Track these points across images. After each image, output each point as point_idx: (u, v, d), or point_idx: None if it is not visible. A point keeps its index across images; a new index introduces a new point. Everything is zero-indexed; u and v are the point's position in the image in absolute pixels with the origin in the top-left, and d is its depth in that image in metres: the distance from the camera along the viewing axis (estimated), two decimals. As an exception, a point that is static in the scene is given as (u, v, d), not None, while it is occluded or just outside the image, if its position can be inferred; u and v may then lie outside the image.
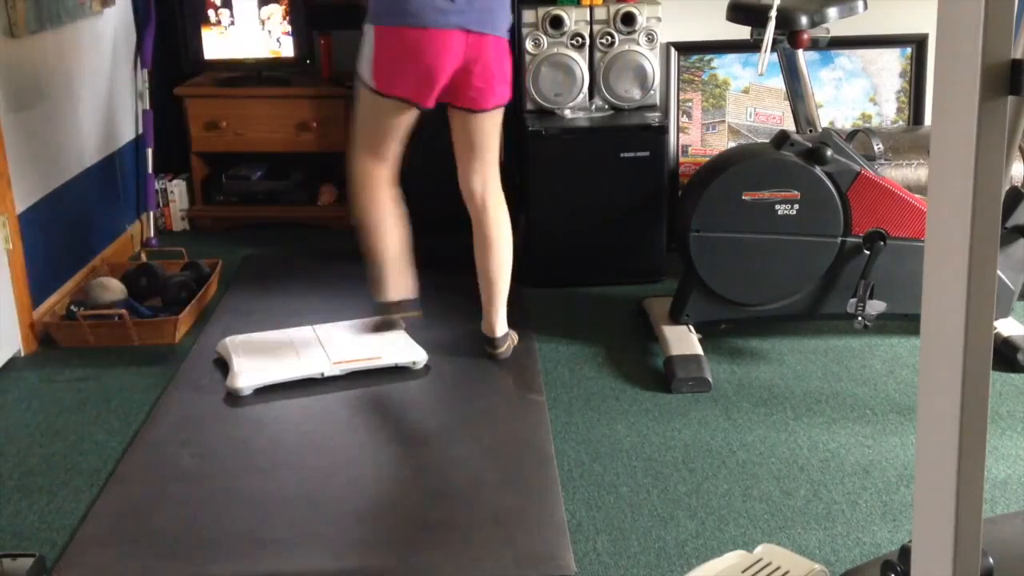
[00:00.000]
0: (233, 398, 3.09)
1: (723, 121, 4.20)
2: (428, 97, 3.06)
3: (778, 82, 3.67)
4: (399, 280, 3.29)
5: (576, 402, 3.05)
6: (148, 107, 4.52)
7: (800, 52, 3.30)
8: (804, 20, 3.18)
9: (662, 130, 3.81)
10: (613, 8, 3.93)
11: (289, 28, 4.56)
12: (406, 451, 2.84)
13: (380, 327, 3.36)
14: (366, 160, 3.20)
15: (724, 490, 2.58)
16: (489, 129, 3.18)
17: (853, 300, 3.21)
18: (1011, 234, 3.21)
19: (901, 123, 4.22)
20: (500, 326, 3.30)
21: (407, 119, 3.13)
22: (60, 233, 3.77)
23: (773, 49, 3.21)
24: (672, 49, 4.11)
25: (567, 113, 3.95)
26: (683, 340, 3.25)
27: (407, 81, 3.03)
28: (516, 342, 3.38)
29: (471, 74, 3.05)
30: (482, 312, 3.31)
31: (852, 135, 3.48)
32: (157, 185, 4.60)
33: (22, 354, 3.40)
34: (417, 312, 3.34)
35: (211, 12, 4.52)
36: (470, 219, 3.27)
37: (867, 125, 4.12)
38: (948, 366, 1.08)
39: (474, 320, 3.61)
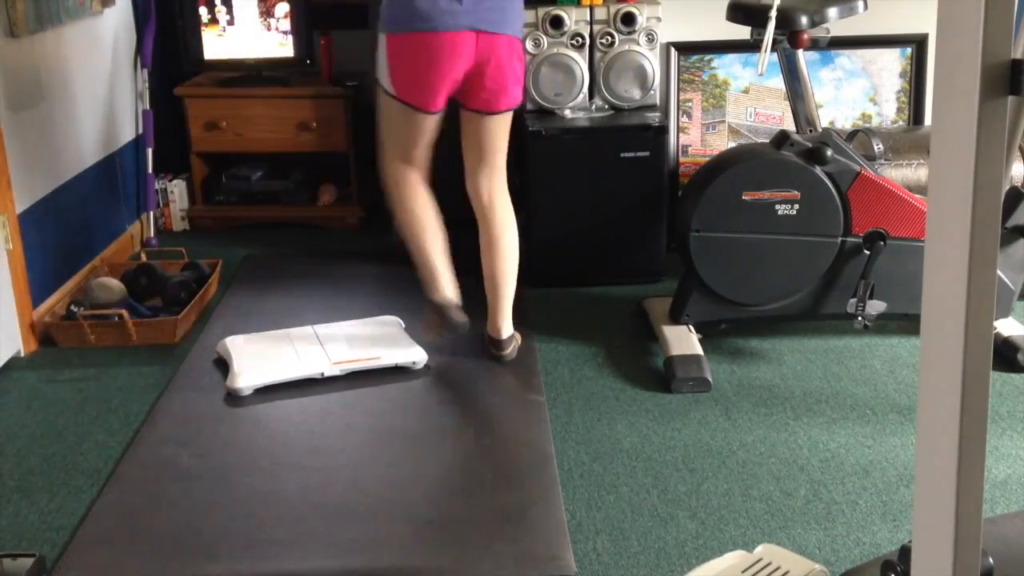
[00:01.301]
0: (233, 398, 3.09)
1: (723, 121, 4.20)
2: (435, 102, 3.05)
3: (778, 82, 3.67)
4: (450, 279, 3.21)
5: (576, 402, 3.05)
6: (148, 107, 4.52)
7: (800, 52, 3.30)
8: (804, 20, 3.18)
9: (662, 130, 3.81)
10: (613, 8, 3.93)
11: (288, 26, 4.55)
12: (406, 451, 2.84)
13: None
14: (397, 165, 3.19)
15: (724, 490, 2.58)
16: (499, 131, 3.17)
17: (853, 300, 3.21)
18: (1011, 234, 3.21)
19: (901, 123, 4.22)
20: (506, 328, 3.28)
21: (430, 123, 3.11)
22: (60, 233, 3.77)
23: (773, 49, 3.21)
24: (672, 49, 4.12)
25: (567, 113, 3.95)
26: (683, 340, 3.25)
27: (419, 86, 3.02)
28: (519, 343, 3.37)
29: (483, 75, 3.03)
30: (487, 313, 3.28)
31: (852, 135, 3.48)
32: (157, 185, 4.60)
33: (22, 354, 3.40)
34: (464, 318, 3.20)
35: (205, 10, 4.52)
36: (474, 220, 3.26)
37: (867, 125, 4.12)
38: (948, 366, 1.08)
39: (475, 320, 3.61)
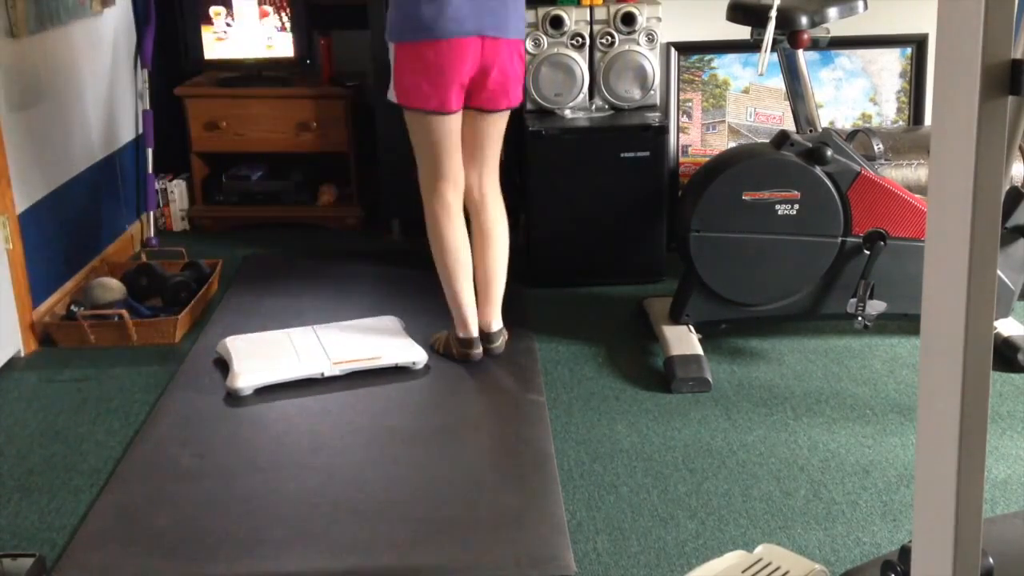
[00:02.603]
0: (233, 398, 3.09)
1: (723, 121, 4.20)
2: (451, 103, 3.11)
3: (778, 82, 3.67)
4: (475, 315, 3.28)
5: (576, 402, 3.05)
6: (148, 107, 4.52)
7: (800, 52, 3.30)
8: (804, 20, 3.18)
9: (662, 130, 3.81)
10: (613, 8, 3.93)
11: (286, 25, 4.55)
12: (406, 451, 2.84)
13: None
14: (433, 185, 3.22)
15: (724, 490, 2.58)
16: (495, 129, 3.25)
17: (853, 300, 3.21)
18: (1011, 234, 3.21)
19: (901, 123, 4.22)
20: (496, 321, 3.32)
21: (452, 126, 3.15)
22: (60, 233, 3.77)
23: (773, 49, 3.21)
24: (672, 49, 4.11)
25: (567, 113, 3.95)
26: (683, 340, 3.25)
27: (430, 92, 3.08)
28: (508, 338, 3.39)
29: (487, 77, 3.11)
30: (478, 307, 3.30)
31: (852, 135, 3.48)
32: (157, 185, 4.60)
33: (22, 354, 3.40)
34: (479, 349, 3.30)
35: (208, 9, 4.52)
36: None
37: (867, 125, 4.12)
38: (948, 366, 1.08)
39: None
